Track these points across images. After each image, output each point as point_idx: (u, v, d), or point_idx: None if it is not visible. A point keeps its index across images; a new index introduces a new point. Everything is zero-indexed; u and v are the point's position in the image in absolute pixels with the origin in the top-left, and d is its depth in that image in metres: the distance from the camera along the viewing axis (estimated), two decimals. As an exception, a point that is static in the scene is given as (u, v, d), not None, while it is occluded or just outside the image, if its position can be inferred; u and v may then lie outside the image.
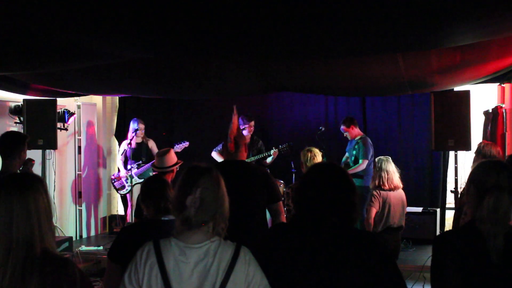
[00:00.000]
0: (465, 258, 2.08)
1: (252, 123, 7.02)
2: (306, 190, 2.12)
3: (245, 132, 6.94)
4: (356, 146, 6.69)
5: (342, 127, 6.83)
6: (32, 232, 1.81)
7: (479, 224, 2.10)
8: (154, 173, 7.28)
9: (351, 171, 6.50)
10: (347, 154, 6.93)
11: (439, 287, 2.13)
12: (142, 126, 7.24)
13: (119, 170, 7.46)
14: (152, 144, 7.36)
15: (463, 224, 2.35)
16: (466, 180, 2.26)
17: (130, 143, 7.17)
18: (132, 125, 7.25)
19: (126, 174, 7.23)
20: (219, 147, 6.86)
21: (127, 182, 7.25)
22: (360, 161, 6.55)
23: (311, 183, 2.12)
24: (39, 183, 1.93)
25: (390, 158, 5.26)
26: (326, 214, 2.03)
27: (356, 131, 6.78)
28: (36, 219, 1.83)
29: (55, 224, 7.00)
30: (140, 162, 7.15)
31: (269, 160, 7.01)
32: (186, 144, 7.05)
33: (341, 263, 1.98)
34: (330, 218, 2.04)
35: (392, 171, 5.12)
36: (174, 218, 2.90)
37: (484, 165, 2.23)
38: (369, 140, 6.70)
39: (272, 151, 6.91)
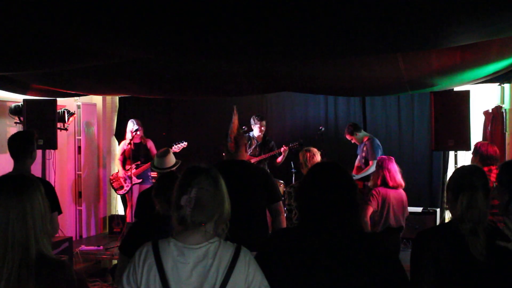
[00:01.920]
0: (444, 254, 2.12)
1: (264, 122, 7.05)
2: (306, 190, 2.11)
3: (256, 131, 7.01)
4: (364, 148, 6.72)
5: (346, 135, 6.88)
6: (27, 235, 1.80)
7: (458, 224, 2.16)
8: (152, 172, 7.31)
9: (361, 172, 6.55)
10: (358, 157, 6.97)
11: (415, 283, 2.16)
12: (140, 126, 7.23)
13: (118, 170, 7.47)
14: (150, 145, 7.36)
15: (445, 222, 2.42)
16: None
17: (130, 144, 7.16)
18: (130, 126, 7.24)
19: (124, 175, 7.23)
20: None
21: (125, 183, 7.26)
22: (370, 162, 6.58)
23: (312, 183, 2.11)
24: (36, 186, 1.92)
25: (392, 158, 5.26)
26: (327, 215, 2.02)
27: (361, 135, 6.82)
28: (31, 222, 1.82)
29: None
30: (139, 162, 7.15)
31: (279, 158, 7.04)
32: (184, 144, 7.05)
33: (344, 265, 1.96)
34: (332, 219, 2.02)
35: (394, 170, 5.12)
36: None
37: (458, 171, 2.35)
38: (376, 141, 6.73)
39: (282, 149, 6.95)
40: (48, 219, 1.95)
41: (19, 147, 3.71)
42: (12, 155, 3.74)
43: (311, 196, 2.07)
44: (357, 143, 6.92)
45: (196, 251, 1.91)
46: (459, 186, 2.22)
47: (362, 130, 6.98)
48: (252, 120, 7.05)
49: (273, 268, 2.01)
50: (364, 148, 6.74)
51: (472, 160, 4.89)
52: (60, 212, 3.59)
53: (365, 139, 6.78)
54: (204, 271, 1.88)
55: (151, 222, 3.05)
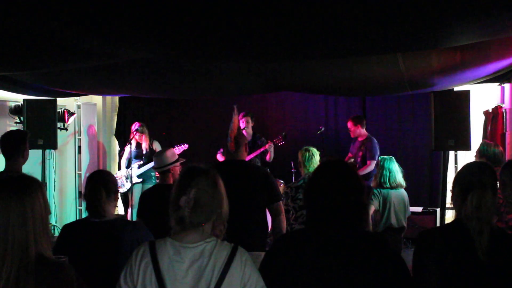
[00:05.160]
0: (449, 256, 2.10)
1: (247, 118, 6.92)
2: (313, 190, 2.10)
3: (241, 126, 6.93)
4: (362, 147, 6.67)
5: (350, 123, 6.76)
6: (27, 236, 1.79)
7: (465, 222, 2.15)
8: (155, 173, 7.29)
9: (358, 172, 6.50)
10: (350, 155, 6.92)
11: (418, 284, 2.15)
12: (142, 128, 7.18)
13: (119, 169, 7.45)
14: (156, 146, 7.34)
15: (448, 222, 2.40)
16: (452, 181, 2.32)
17: (130, 144, 7.15)
18: (134, 128, 7.22)
19: (125, 173, 7.21)
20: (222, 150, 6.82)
21: (127, 181, 7.25)
22: (368, 162, 6.55)
23: (319, 182, 2.09)
24: (37, 186, 1.90)
25: (393, 157, 5.26)
26: (333, 215, 2.00)
27: (361, 131, 6.73)
28: (31, 223, 1.81)
29: (55, 224, 7.02)
30: (141, 162, 7.14)
31: (267, 156, 6.95)
32: (185, 146, 7.04)
33: (349, 265, 1.96)
34: (338, 219, 2.01)
35: (395, 170, 5.12)
36: (105, 220, 2.86)
37: (469, 166, 2.32)
38: (375, 140, 6.68)
39: (267, 146, 6.83)
40: (49, 220, 1.94)
41: (12, 145, 3.72)
42: (4, 154, 3.75)
43: (317, 196, 2.05)
44: (355, 135, 6.80)
45: (192, 250, 1.92)
46: (468, 183, 2.18)
47: None
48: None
49: (278, 268, 2.01)
50: (363, 148, 6.68)
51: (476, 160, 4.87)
52: (49, 212, 3.60)
53: (365, 137, 6.72)
54: (199, 270, 1.89)
55: (74, 227, 2.98)
